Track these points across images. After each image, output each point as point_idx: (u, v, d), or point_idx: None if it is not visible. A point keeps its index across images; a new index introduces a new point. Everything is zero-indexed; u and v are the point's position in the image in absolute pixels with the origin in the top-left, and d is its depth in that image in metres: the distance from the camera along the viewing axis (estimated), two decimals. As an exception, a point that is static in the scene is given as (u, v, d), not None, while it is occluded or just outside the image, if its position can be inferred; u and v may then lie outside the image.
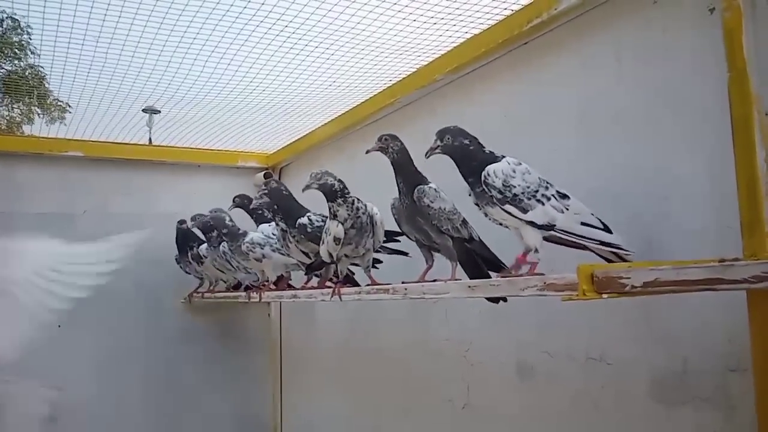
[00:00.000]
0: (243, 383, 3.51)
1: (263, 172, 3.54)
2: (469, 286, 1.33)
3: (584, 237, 1.37)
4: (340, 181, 1.82)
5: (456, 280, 1.55)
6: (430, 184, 1.66)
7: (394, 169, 1.70)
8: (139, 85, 2.77)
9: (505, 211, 1.37)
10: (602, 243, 1.37)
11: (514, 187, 1.35)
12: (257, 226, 2.49)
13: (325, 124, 3.09)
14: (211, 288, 3.12)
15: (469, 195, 1.51)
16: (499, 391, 2.00)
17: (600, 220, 1.41)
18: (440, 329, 2.27)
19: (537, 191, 1.37)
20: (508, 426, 1.96)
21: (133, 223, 3.28)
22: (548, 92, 1.89)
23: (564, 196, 1.41)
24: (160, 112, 3.49)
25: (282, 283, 2.54)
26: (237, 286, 2.96)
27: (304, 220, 2.07)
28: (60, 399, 3.03)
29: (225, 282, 3.08)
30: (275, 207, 2.16)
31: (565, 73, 1.84)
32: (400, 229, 1.82)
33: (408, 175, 1.67)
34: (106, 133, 3.36)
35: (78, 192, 3.25)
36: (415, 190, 1.63)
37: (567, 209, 1.38)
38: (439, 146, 1.49)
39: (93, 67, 2.63)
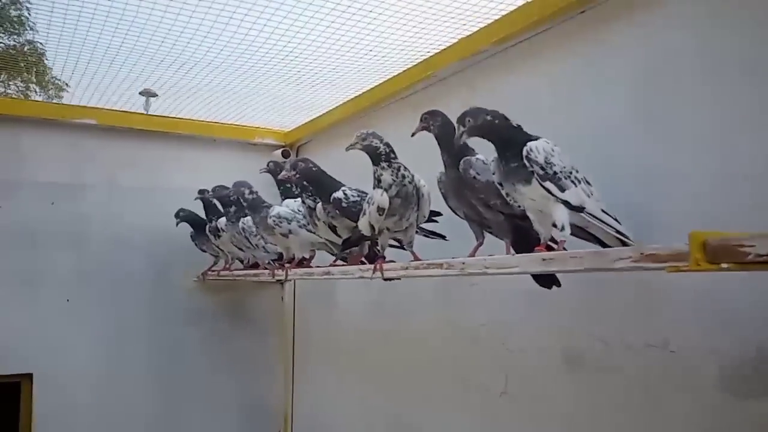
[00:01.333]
0: (253, 367, 3.42)
1: (281, 150, 3.42)
2: (543, 259, 1.21)
3: (606, 224, 1.35)
4: (387, 144, 1.71)
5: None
6: (478, 156, 1.57)
7: (438, 144, 1.63)
8: (143, 41, 2.57)
9: (545, 188, 1.33)
10: (617, 232, 1.36)
11: (554, 165, 1.33)
12: (282, 200, 2.37)
13: (351, 99, 2.94)
14: (227, 266, 2.98)
15: (493, 174, 1.45)
16: (543, 381, 1.89)
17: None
18: (475, 314, 2.15)
19: (571, 173, 1.35)
20: (553, 417, 1.85)
21: (145, 197, 3.18)
22: (605, 67, 1.77)
23: (588, 183, 1.40)
24: (157, 95, 3.37)
25: (306, 264, 2.41)
26: (254, 266, 2.82)
27: (339, 194, 1.94)
28: (65, 375, 2.95)
29: (241, 261, 2.95)
30: (304, 184, 2.04)
31: (625, 45, 1.71)
32: (448, 204, 1.72)
33: (453, 148, 1.57)
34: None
35: (88, 163, 3.12)
36: (461, 162, 1.55)
37: (592, 194, 1.38)
38: (463, 132, 1.43)
39: (91, 31, 2.47)
